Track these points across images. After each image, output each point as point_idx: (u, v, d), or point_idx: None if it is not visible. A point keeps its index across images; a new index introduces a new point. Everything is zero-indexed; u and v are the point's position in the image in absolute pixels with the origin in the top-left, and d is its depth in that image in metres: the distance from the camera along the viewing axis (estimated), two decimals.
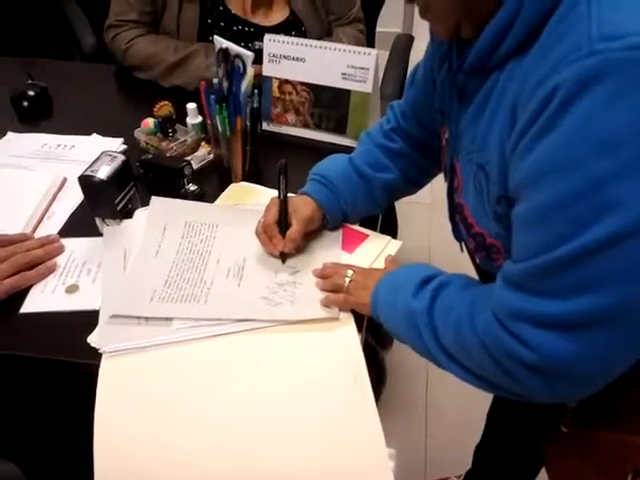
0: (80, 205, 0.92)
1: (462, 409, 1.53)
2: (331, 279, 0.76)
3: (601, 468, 0.64)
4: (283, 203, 0.80)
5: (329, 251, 0.83)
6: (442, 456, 1.47)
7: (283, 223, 0.79)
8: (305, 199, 0.82)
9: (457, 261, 1.22)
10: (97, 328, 0.72)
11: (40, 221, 0.90)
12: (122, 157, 0.84)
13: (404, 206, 2.25)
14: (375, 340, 1.63)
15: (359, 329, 0.74)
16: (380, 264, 0.81)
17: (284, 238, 0.79)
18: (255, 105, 0.91)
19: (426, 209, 2.23)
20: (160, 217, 0.88)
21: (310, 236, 0.85)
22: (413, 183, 0.86)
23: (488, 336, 0.53)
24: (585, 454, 0.66)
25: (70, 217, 0.91)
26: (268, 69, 1.06)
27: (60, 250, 0.83)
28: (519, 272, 0.49)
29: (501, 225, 0.55)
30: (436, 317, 0.60)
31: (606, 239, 0.43)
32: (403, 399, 1.60)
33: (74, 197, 0.94)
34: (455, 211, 0.67)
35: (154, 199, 0.91)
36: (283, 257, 0.81)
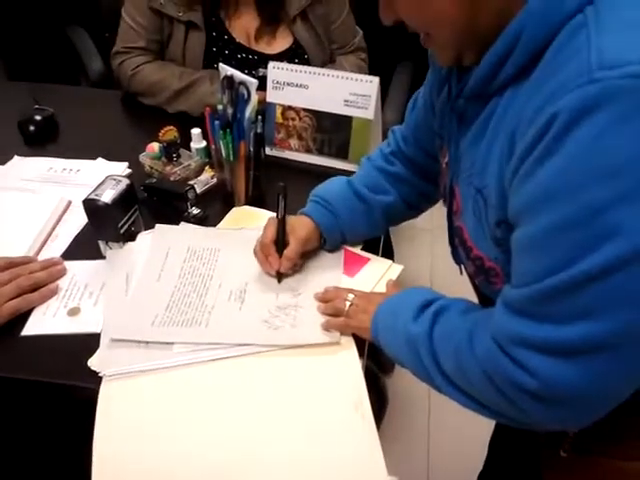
0: (84, 228, 0.93)
1: (464, 435, 1.51)
2: (332, 303, 0.76)
3: None
4: (281, 222, 0.81)
5: (330, 274, 0.83)
6: None
7: (281, 242, 0.80)
8: (303, 219, 0.83)
9: (458, 286, 1.22)
10: (98, 351, 0.72)
11: (44, 243, 0.91)
12: (127, 181, 0.85)
13: (406, 231, 2.27)
14: (376, 365, 1.62)
15: (360, 354, 0.73)
16: (381, 288, 0.81)
17: (281, 257, 0.79)
18: (259, 131, 0.92)
19: (427, 234, 2.24)
20: (163, 242, 0.89)
21: (307, 257, 0.85)
22: (413, 207, 0.87)
23: (488, 362, 0.52)
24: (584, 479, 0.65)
25: (73, 240, 0.92)
26: (272, 95, 1.08)
27: (63, 273, 0.84)
28: (519, 297, 0.49)
29: (500, 249, 0.55)
30: (436, 342, 0.60)
31: (606, 266, 0.43)
32: (405, 425, 1.58)
33: (78, 220, 0.94)
34: (454, 234, 0.67)
35: (158, 227, 0.91)
36: (279, 276, 0.81)
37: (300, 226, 0.82)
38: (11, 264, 0.81)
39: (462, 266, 0.72)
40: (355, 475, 0.62)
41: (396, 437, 1.53)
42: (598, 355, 0.45)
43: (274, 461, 0.63)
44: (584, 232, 0.43)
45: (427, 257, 2.12)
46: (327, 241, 0.85)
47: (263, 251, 0.81)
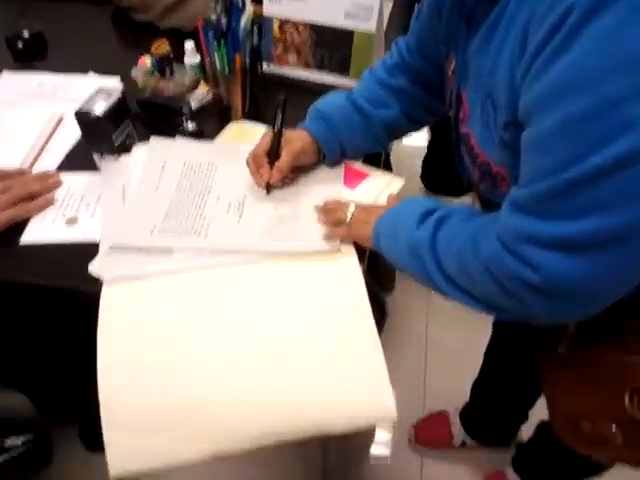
0: (78, 142, 0.91)
1: (461, 350, 1.56)
2: (333, 213, 0.76)
3: (598, 388, 0.65)
4: (277, 135, 0.79)
5: (330, 187, 0.83)
6: (441, 390, 1.51)
7: (273, 154, 0.79)
8: (300, 133, 0.82)
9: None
10: (97, 257, 0.72)
11: (37, 157, 0.89)
12: (118, 93, 0.82)
13: (407, 154, 2.20)
14: (377, 282, 1.64)
15: (361, 261, 0.74)
16: (382, 202, 0.80)
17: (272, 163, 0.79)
18: (255, 42, 0.89)
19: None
20: (159, 155, 0.87)
21: (306, 171, 0.84)
22: (414, 121, 0.85)
23: (492, 260, 0.53)
24: (582, 374, 0.67)
25: (68, 153, 0.90)
26: (269, 9, 1.03)
27: (58, 184, 0.83)
28: (527, 195, 0.49)
29: (508, 152, 0.54)
30: (439, 246, 0.60)
31: (619, 159, 0.42)
32: (403, 338, 1.63)
33: (71, 134, 0.92)
34: (460, 142, 0.66)
35: (153, 139, 0.89)
36: (268, 188, 0.81)
37: (295, 139, 0.81)
38: (5, 175, 0.80)
39: (466, 178, 0.71)
40: (355, 371, 0.64)
41: (394, 348, 1.58)
42: (603, 250, 0.46)
43: (273, 362, 0.64)
44: (599, 125, 0.42)
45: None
46: (326, 155, 0.84)
47: (255, 162, 0.80)
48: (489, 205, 0.63)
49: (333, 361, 0.65)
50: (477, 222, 0.59)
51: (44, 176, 0.83)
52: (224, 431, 0.61)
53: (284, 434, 0.61)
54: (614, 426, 0.64)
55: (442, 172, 1.80)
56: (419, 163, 2.06)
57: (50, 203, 0.80)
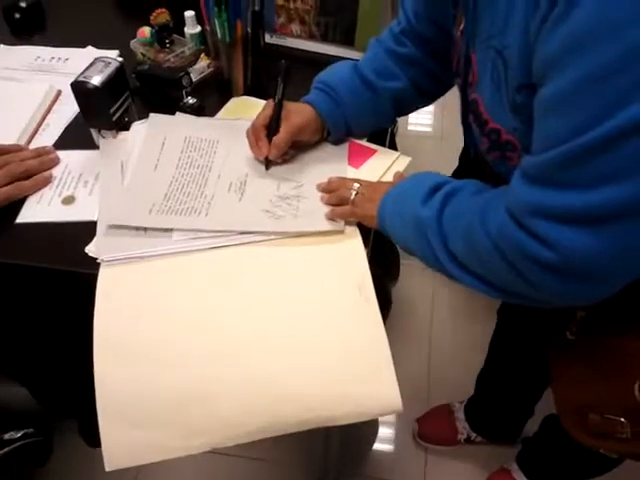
0: (75, 118, 0.89)
1: (466, 342, 1.54)
2: (337, 192, 0.73)
3: (607, 377, 0.62)
4: (277, 107, 0.76)
5: (334, 165, 0.80)
6: (445, 382, 1.48)
7: (273, 128, 0.76)
8: (303, 106, 0.78)
9: None
10: (95, 238, 0.71)
11: (34, 133, 0.87)
12: (116, 63, 0.79)
13: (413, 140, 2.20)
14: (382, 271, 1.62)
15: (365, 244, 0.71)
16: (388, 180, 0.77)
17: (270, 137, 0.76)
18: (256, 8, 0.85)
19: (437, 140, 2.18)
20: (158, 132, 0.85)
21: (307, 149, 0.81)
22: (424, 93, 0.81)
23: (502, 237, 0.50)
24: (591, 362, 0.64)
25: (65, 130, 0.88)
26: None
27: (55, 161, 0.81)
28: (540, 163, 0.45)
29: (519, 118, 0.51)
30: (445, 224, 0.57)
31: None
32: (407, 328, 1.61)
33: (69, 109, 0.90)
34: (469, 109, 0.63)
35: (152, 116, 0.87)
36: (267, 163, 0.78)
37: (297, 113, 0.77)
38: (1, 151, 0.78)
39: (474, 150, 0.68)
40: (359, 355, 0.62)
41: (398, 338, 1.56)
42: (622, 222, 0.42)
43: (275, 350, 0.62)
44: (621, 80, 0.39)
45: (433, 162, 2.07)
46: (331, 132, 0.81)
47: (254, 134, 0.77)
48: (498, 182, 0.60)
49: (336, 348, 0.63)
50: (487, 196, 0.56)
51: (42, 152, 0.81)
52: (224, 423, 0.59)
53: (286, 425, 0.59)
54: (623, 418, 0.62)
55: None
56: (424, 146, 2.03)
57: (48, 181, 0.78)
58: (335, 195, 0.73)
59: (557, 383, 0.70)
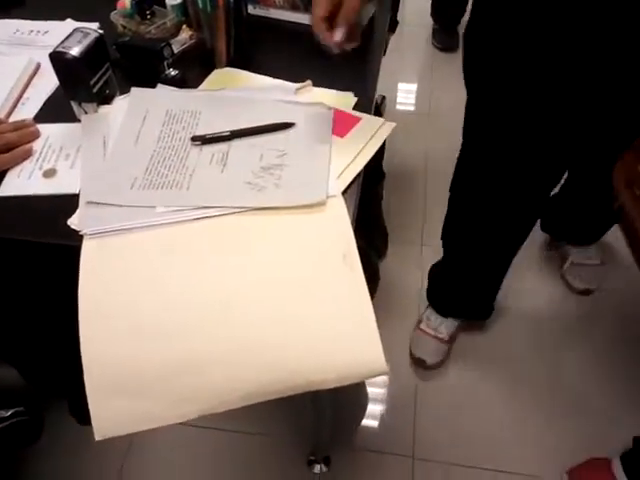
0: (55, 91, 0.87)
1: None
2: None
3: None
4: None
5: (319, 135, 0.79)
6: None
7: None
8: None
9: (451, 168, 1.19)
10: (77, 211, 0.70)
11: (14, 107, 0.85)
12: (95, 34, 0.78)
13: (403, 116, 2.20)
14: (369, 246, 1.63)
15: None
16: (373, 147, 0.77)
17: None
18: None
19: (424, 118, 2.17)
20: (140, 106, 0.83)
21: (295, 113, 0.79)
22: None
23: None
24: None
25: (45, 103, 0.86)
26: None
27: (36, 135, 0.79)
28: None
29: None
30: None
31: None
32: (394, 305, 1.62)
33: (49, 83, 0.88)
34: None
35: (134, 90, 0.85)
36: (341, 46, 0.73)
37: None
38: None
39: None
40: (343, 323, 0.62)
41: (385, 315, 1.58)
42: None
43: (260, 316, 0.63)
44: None
45: (422, 139, 2.07)
46: None
47: (317, 30, 0.73)
48: None
49: (321, 313, 0.63)
50: None
51: (21, 126, 0.79)
52: (212, 390, 0.60)
53: (275, 390, 0.60)
54: None
55: None
56: (410, 123, 2.03)
57: (28, 155, 0.77)
58: None
59: None
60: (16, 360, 0.98)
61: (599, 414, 1.39)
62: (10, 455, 1.12)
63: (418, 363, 1.48)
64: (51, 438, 1.22)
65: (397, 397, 1.43)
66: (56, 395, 1.08)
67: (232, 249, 0.68)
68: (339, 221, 0.70)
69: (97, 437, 0.58)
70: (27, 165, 0.76)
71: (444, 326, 1.49)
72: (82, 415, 1.08)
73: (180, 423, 0.58)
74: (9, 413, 0.97)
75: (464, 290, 1.43)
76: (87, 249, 0.67)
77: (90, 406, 0.59)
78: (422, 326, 1.52)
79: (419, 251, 1.70)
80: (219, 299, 0.64)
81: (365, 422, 1.39)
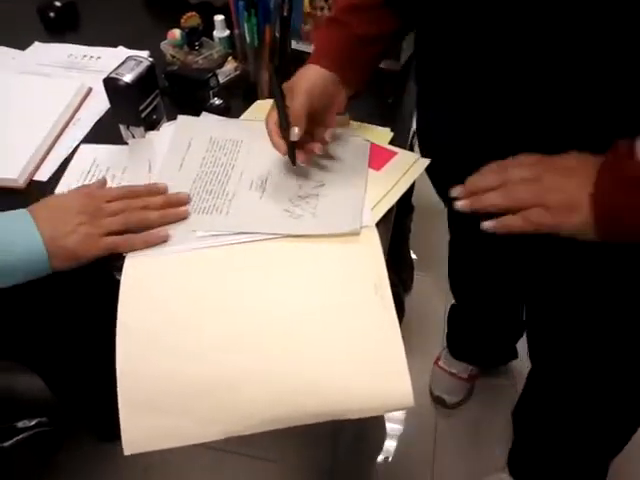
0: (105, 114, 0.92)
1: None
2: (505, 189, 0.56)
3: None
4: (277, 102, 0.73)
5: (355, 167, 0.81)
6: None
7: (282, 118, 0.73)
8: (304, 69, 0.76)
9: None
10: None
11: (65, 128, 0.90)
12: (148, 62, 0.82)
13: None
14: (397, 279, 1.63)
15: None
16: (407, 182, 0.78)
17: (288, 136, 0.72)
18: (285, 14, 0.87)
19: None
20: (185, 133, 0.87)
21: (332, 148, 0.81)
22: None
23: None
24: None
25: (94, 125, 0.90)
26: None
27: (180, 216, 0.73)
28: None
29: None
30: None
31: None
32: (419, 339, 1.61)
33: (99, 107, 0.92)
34: None
35: (180, 117, 0.89)
36: (291, 155, 0.75)
37: (300, 78, 0.74)
38: (129, 194, 0.72)
39: None
40: (373, 352, 0.63)
41: (409, 349, 1.56)
42: None
43: (290, 342, 0.64)
44: None
45: None
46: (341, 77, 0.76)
47: (271, 136, 0.75)
48: None
49: (351, 342, 0.64)
50: None
51: (174, 201, 0.73)
52: (240, 412, 0.60)
53: (301, 416, 0.60)
54: None
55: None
56: None
57: (162, 240, 0.70)
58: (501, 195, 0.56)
59: None
60: (44, 371, 1.00)
61: None
62: (30, 466, 1.13)
63: (438, 401, 1.45)
64: (68, 456, 1.23)
65: (416, 433, 1.41)
66: (80, 407, 1.09)
67: (267, 274, 0.69)
68: (372, 252, 0.71)
69: (126, 452, 0.59)
70: (73, 183, 0.79)
71: (462, 367, 1.46)
72: (104, 431, 1.09)
73: (199, 445, 0.59)
74: (33, 423, 0.99)
75: (476, 335, 1.38)
76: (128, 268, 0.69)
77: (121, 420, 0.60)
78: (441, 363, 1.50)
79: (445, 285, 1.69)
80: (254, 323, 0.65)
81: (382, 457, 1.37)
